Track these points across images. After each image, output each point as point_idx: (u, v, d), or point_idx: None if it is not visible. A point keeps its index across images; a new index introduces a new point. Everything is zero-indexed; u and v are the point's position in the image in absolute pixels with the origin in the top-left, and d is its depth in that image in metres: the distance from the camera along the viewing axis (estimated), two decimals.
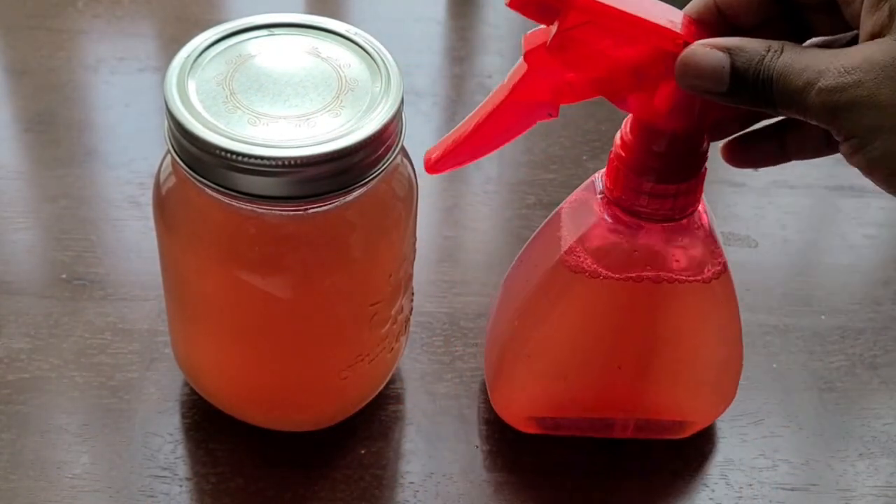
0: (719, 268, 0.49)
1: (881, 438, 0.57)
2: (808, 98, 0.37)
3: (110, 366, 0.57)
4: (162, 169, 0.48)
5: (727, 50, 0.38)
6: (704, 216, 0.48)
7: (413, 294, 0.55)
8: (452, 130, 0.45)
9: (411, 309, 0.55)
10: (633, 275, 0.47)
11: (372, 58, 0.47)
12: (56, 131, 0.71)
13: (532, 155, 0.72)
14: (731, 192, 0.69)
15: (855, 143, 0.37)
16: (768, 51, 0.38)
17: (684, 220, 0.47)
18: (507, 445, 0.54)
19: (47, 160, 0.69)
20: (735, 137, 0.46)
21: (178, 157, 0.44)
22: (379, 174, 0.45)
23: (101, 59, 0.77)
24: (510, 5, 0.40)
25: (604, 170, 0.48)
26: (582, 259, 0.48)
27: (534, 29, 0.42)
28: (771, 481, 0.54)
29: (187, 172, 0.44)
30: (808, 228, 0.68)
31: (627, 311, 0.49)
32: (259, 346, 0.50)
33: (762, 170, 0.68)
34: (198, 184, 0.44)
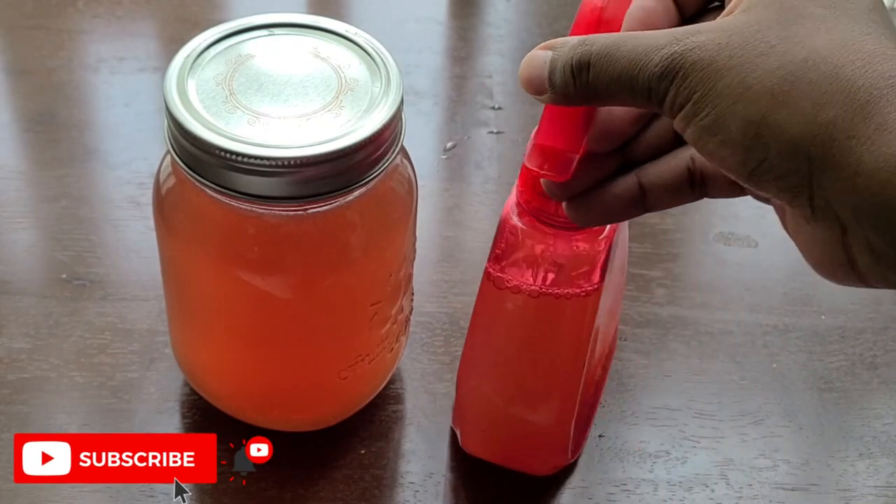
0: (592, 288, 0.47)
1: (881, 438, 0.57)
2: (638, 73, 0.34)
3: (110, 366, 0.57)
4: (162, 169, 0.48)
5: (552, 48, 0.36)
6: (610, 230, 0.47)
7: (413, 294, 0.55)
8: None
9: (411, 309, 0.55)
10: (530, 287, 0.47)
11: (372, 58, 0.47)
12: (56, 131, 0.71)
13: None
14: None
15: (688, 111, 0.34)
16: (586, 40, 0.36)
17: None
18: None
19: (47, 160, 0.69)
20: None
21: (178, 157, 0.44)
22: (379, 174, 0.45)
23: (101, 59, 0.77)
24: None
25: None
26: (494, 271, 0.47)
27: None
28: (771, 481, 0.54)
29: (187, 172, 0.44)
30: None
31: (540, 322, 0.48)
32: (259, 346, 0.50)
33: None
34: (197, 184, 0.44)
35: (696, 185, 0.40)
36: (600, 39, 0.35)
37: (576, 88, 0.36)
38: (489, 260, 0.47)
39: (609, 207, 0.40)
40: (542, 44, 0.37)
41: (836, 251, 0.34)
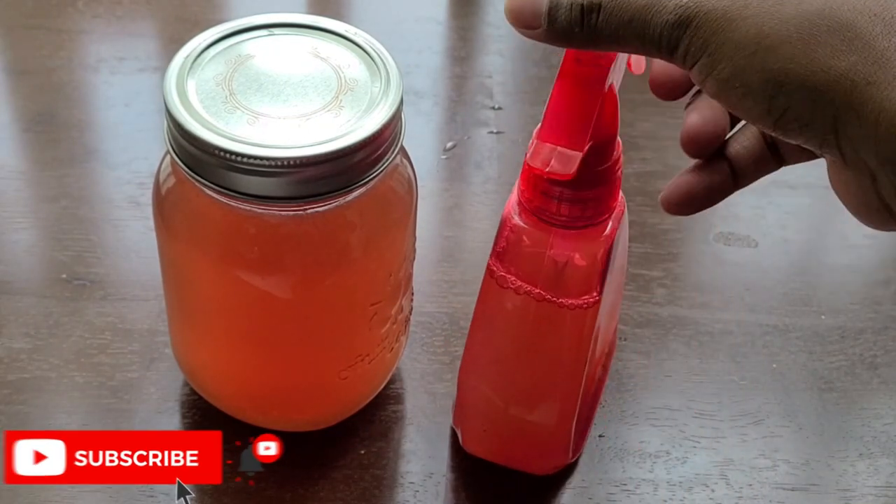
0: (592, 300, 0.47)
1: (881, 438, 0.57)
2: (651, 18, 0.34)
3: (110, 366, 0.57)
4: (162, 169, 0.48)
5: None
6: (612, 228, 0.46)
7: (413, 294, 0.55)
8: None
9: (411, 309, 0.55)
10: (522, 288, 0.46)
11: (371, 58, 0.47)
12: (56, 131, 0.71)
13: None
14: None
15: (704, 63, 0.34)
16: None
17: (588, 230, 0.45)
18: None
19: (47, 160, 0.69)
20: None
21: (178, 157, 0.44)
22: (379, 174, 0.45)
23: (101, 59, 0.77)
24: None
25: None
26: (496, 269, 0.47)
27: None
28: (771, 481, 0.54)
29: (187, 173, 0.44)
30: (808, 228, 0.68)
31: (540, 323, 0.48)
32: (259, 345, 0.50)
33: None
34: (197, 184, 0.44)
35: (773, 151, 0.40)
36: None
37: (581, 29, 0.35)
38: (491, 256, 0.47)
39: (707, 196, 0.41)
40: None
41: (870, 198, 0.35)
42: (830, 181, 0.38)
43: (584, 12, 0.35)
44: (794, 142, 0.35)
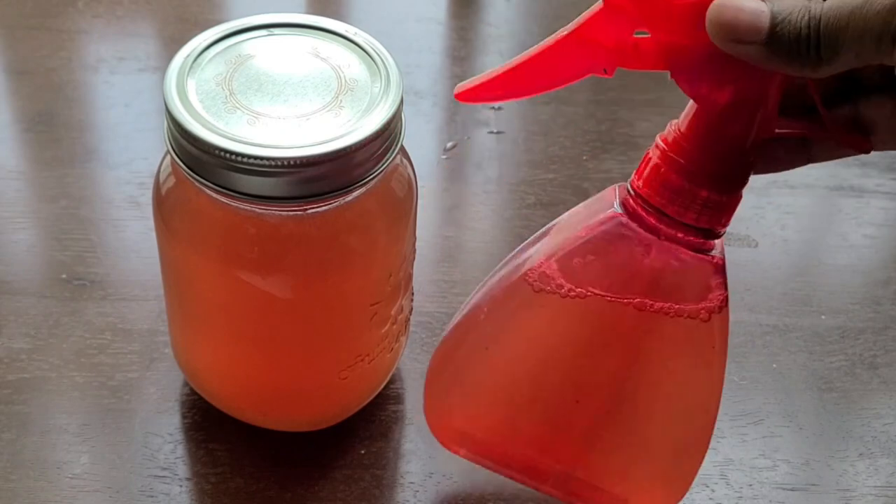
0: (720, 304, 0.44)
1: (881, 438, 0.57)
2: (870, 12, 0.32)
3: (110, 366, 0.57)
4: (162, 169, 0.48)
5: None
6: (721, 246, 0.44)
7: (413, 294, 0.55)
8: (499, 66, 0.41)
9: (411, 309, 0.55)
10: (620, 299, 0.43)
11: (371, 58, 0.47)
12: (56, 131, 0.71)
13: (532, 155, 0.72)
14: None
15: None
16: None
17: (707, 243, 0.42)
18: None
19: (47, 160, 0.69)
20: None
21: (178, 157, 0.44)
22: (378, 174, 0.45)
23: (101, 59, 0.77)
24: None
25: (621, 185, 0.43)
26: (552, 275, 0.44)
27: None
28: (771, 481, 0.54)
29: (187, 173, 0.44)
30: (808, 228, 0.68)
31: (603, 337, 0.45)
32: (259, 346, 0.50)
33: None
34: (197, 184, 0.44)
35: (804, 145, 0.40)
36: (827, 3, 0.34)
37: (808, 45, 0.34)
38: (549, 258, 0.44)
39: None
40: None
41: None
42: None
43: (810, 24, 0.34)
44: None
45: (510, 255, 0.48)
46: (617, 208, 0.43)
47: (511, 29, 0.84)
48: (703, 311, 0.43)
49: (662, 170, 0.41)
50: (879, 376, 0.60)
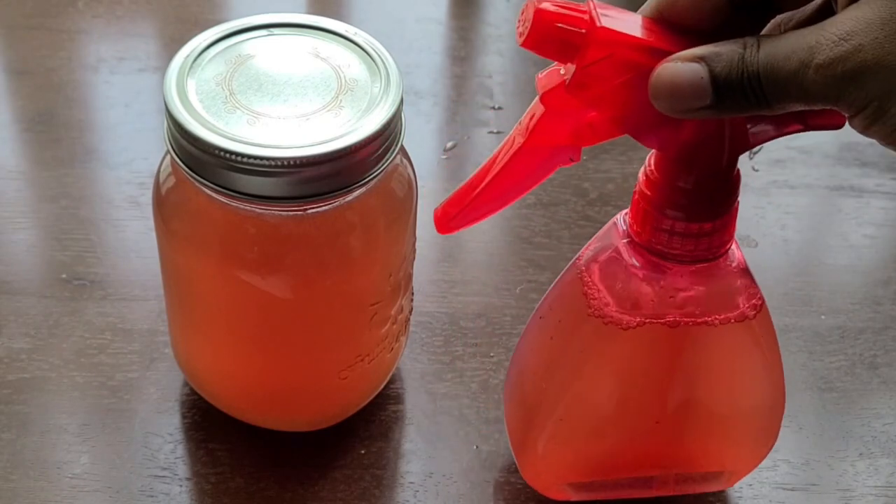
0: (758, 304, 0.46)
1: (881, 438, 0.57)
2: (806, 80, 0.34)
3: (110, 366, 0.57)
4: (162, 169, 0.48)
5: (701, 59, 0.35)
6: (738, 251, 0.46)
7: (413, 294, 0.55)
8: (464, 183, 0.43)
9: (411, 309, 0.55)
10: (667, 320, 0.45)
11: (371, 58, 0.47)
12: (56, 131, 0.71)
13: None
14: None
15: (870, 112, 0.34)
16: (745, 47, 0.35)
17: (718, 259, 0.44)
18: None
19: (47, 160, 0.69)
20: None
21: (178, 157, 0.44)
22: (378, 174, 0.45)
23: (101, 59, 0.77)
24: (525, 45, 0.38)
25: (626, 211, 0.45)
26: (610, 309, 0.45)
27: (545, 69, 0.40)
28: (771, 481, 0.54)
29: (187, 173, 0.44)
30: (808, 228, 0.68)
31: (663, 359, 0.47)
32: (259, 346, 0.50)
33: (762, 170, 0.69)
34: (197, 184, 0.44)
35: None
36: (762, 52, 0.35)
37: (743, 103, 0.35)
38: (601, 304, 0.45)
39: None
40: (677, 55, 0.36)
41: None
42: None
43: (748, 84, 0.35)
44: None
45: (550, 296, 0.49)
46: (623, 242, 0.45)
47: (511, 29, 0.84)
48: (739, 315, 0.45)
49: (641, 205, 0.43)
50: (879, 376, 0.60)
